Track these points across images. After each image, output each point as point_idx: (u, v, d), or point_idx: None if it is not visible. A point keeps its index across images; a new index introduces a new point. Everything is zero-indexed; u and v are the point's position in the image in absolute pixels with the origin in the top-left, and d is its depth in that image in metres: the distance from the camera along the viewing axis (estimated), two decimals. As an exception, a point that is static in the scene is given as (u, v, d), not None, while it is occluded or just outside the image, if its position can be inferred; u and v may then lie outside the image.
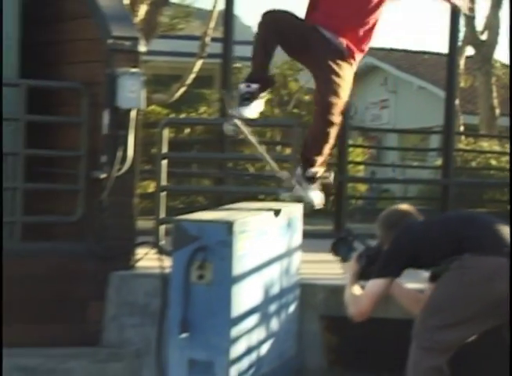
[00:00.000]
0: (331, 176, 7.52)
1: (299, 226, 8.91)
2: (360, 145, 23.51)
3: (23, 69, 10.15)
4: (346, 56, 7.24)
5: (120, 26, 9.50)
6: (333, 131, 7.17)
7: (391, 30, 25.06)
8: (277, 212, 7.87)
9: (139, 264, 9.56)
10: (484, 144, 21.40)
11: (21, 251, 9.33)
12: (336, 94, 7.10)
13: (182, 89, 20.02)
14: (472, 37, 25.71)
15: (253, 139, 7.36)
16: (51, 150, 9.98)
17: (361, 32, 7.28)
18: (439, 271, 6.65)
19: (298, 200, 7.56)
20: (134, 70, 9.24)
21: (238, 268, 7.44)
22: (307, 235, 9.20)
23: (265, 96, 7.35)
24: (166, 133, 9.96)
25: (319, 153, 7.28)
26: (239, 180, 14.87)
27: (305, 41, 7.23)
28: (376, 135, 30.46)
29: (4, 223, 9.80)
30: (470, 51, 26.62)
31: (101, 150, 9.35)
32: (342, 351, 8.84)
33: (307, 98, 28.40)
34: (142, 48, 9.44)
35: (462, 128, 24.65)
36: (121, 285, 9.24)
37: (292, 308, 8.72)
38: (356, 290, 6.93)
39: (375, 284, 6.68)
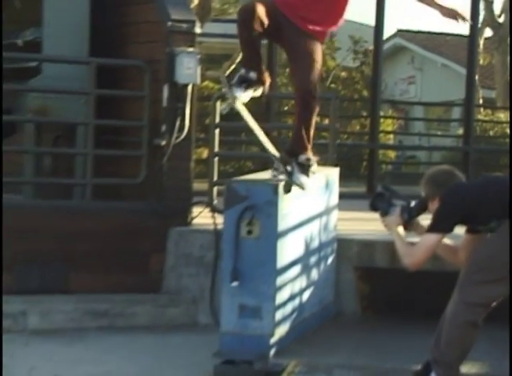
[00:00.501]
0: (315, 161, 7.41)
1: (336, 188, 8.92)
2: (390, 116, 23.46)
3: (93, 48, 10.22)
4: (312, 35, 7.23)
5: (179, 10, 9.54)
6: (314, 117, 7.21)
7: (418, 14, 24.96)
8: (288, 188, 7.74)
9: (195, 221, 9.60)
10: (501, 115, 21.30)
11: (91, 209, 9.41)
12: (310, 75, 7.10)
13: (232, 67, 19.99)
14: (490, 20, 25.62)
15: (249, 118, 7.41)
16: (117, 121, 10.09)
17: (320, 13, 7.19)
18: (488, 229, 6.57)
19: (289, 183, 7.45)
20: (190, 49, 9.30)
21: (282, 224, 7.44)
22: (342, 196, 9.19)
23: (255, 91, 7.31)
24: (218, 105, 9.96)
25: (308, 139, 7.27)
26: (282, 147, 14.85)
27: (277, 25, 7.13)
28: (404, 108, 30.28)
29: (76, 185, 9.92)
30: (488, 32, 26.51)
31: (161, 121, 9.42)
32: (373, 298, 8.84)
33: (343, 74, 28.37)
34: (198, 30, 9.48)
35: (481, 101, 24.53)
36: (179, 239, 9.29)
37: (330, 259, 8.73)
38: (406, 242, 6.75)
39: (430, 238, 6.56)
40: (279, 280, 7.50)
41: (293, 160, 7.30)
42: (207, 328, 8.48)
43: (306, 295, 8.13)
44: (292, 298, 7.82)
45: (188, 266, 9.15)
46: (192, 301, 9.04)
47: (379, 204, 6.93)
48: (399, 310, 7.86)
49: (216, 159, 10.09)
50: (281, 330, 7.60)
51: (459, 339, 6.55)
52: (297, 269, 7.88)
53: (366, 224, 9.65)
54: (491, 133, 19.95)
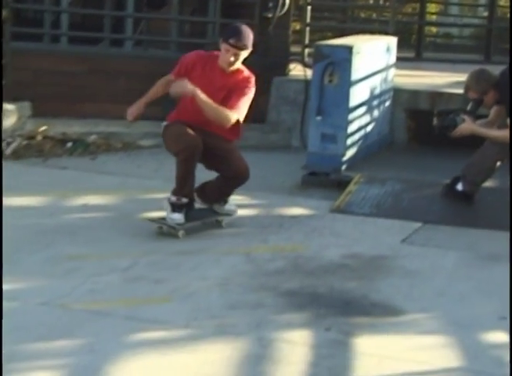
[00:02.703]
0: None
1: (393, 52, 8.69)
2: (434, 1, 22.77)
3: None
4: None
5: None
6: None
7: None
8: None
9: (291, 73, 9.49)
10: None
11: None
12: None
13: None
14: None
15: None
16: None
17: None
18: None
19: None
20: None
21: (354, 76, 7.30)
22: (398, 58, 8.93)
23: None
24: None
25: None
26: (355, 21, 14.65)
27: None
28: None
29: (208, 44, 9.79)
30: None
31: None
32: (417, 132, 8.73)
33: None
34: None
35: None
36: (279, 85, 9.17)
37: (387, 103, 8.58)
38: (490, 129, 6.42)
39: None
40: (350, 116, 7.42)
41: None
42: (297, 150, 8.46)
43: (369, 128, 8.04)
44: (359, 129, 7.75)
45: (285, 105, 9.07)
46: (287, 130, 8.99)
47: (445, 122, 6.46)
48: (437, 142, 7.73)
49: (307, 29, 9.88)
50: (350, 152, 7.55)
51: (485, 166, 6.45)
52: (363, 108, 7.76)
53: (414, 79, 9.49)
54: (508, 16, 19.27)
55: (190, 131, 5.54)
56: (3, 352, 3.53)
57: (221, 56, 5.63)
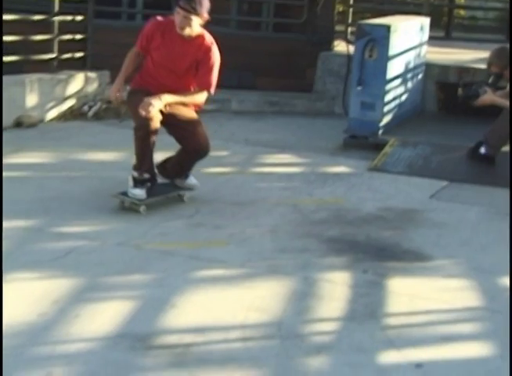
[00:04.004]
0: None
1: (426, 31, 8.49)
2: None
3: None
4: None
5: None
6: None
7: None
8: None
9: (336, 48, 9.38)
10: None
11: (272, 37, 9.39)
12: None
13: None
14: None
15: None
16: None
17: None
18: None
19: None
20: None
21: (391, 51, 7.15)
22: (430, 37, 8.73)
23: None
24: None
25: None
26: (392, 3, 14.37)
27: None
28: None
29: (263, 22, 9.68)
30: None
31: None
32: (446, 102, 8.58)
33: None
34: None
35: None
36: (325, 59, 9.07)
37: (419, 76, 8.41)
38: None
39: None
40: (387, 87, 7.29)
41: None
42: (339, 116, 8.38)
43: (403, 98, 7.89)
44: (394, 98, 7.61)
45: (330, 77, 8.98)
46: (331, 98, 8.90)
47: (470, 92, 6.38)
48: (463, 111, 7.60)
49: (350, 10, 9.74)
50: (386, 119, 7.43)
51: (505, 132, 6.30)
52: (398, 81, 7.61)
53: (443, 55, 9.29)
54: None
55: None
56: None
57: (175, 21, 4.87)
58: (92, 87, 8.19)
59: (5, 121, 6.57)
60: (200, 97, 5.06)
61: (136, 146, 4.96)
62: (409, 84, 8.04)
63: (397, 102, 7.71)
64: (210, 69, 4.96)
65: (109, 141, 6.94)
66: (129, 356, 3.24)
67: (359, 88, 7.17)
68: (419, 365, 3.29)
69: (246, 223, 4.96)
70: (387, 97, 7.35)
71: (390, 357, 3.36)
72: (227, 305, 3.76)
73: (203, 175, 5.96)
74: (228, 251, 4.47)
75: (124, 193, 5.09)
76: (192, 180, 5.36)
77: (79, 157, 6.29)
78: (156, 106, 4.81)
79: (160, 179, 5.29)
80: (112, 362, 3.19)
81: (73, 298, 3.74)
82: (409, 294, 3.99)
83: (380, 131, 7.28)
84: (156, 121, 4.84)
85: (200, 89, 5.03)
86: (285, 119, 8.38)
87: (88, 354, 3.24)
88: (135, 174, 5.04)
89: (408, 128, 7.68)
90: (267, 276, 4.12)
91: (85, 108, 7.92)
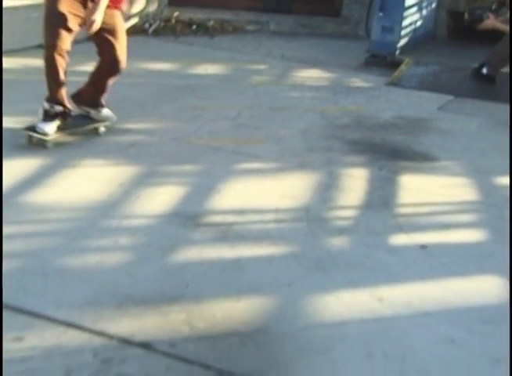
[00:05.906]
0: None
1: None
2: None
3: None
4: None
5: None
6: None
7: None
8: None
9: None
10: None
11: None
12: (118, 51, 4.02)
13: None
14: None
15: None
16: None
17: None
18: None
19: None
20: None
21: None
22: None
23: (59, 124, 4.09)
24: None
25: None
26: None
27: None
28: None
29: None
30: None
31: None
32: (455, 29, 8.17)
33: None
34: None
35: None
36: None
37: (433, 5, 7.98)
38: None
39: None
40: (405, 13, 6.93)
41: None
42: (362, 38, 8.00)
43: (418, 23, 7.51)
44: (410, 24, 7.25)
45: (355, 3, 8.54)
46: (356, 23, 8.50)
47: (474, 17, 6.11)
48: (470, 36, 7.24)
49: None
50: (403, 41, 7.10)
51: (505, 54, 6.01)
52: (414, 8, 7.24)
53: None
54: None
55: (60, 21, 3.78)
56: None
57: None
58: (153, 7, 7.95)
59: (81, 35, 6.40)
60: None
61: (45, 73, 3.87)
62: (424, 12, 7.64)
63: (413, 27, 7.34)
64: None
65: (165, 54, 6.77)
66: (181, 231, 3.21)
67: (381, 14, 6.82)
68: (423, 246, 3.23)
69: (280, 125, 4.84)
70: (405, 22, 7.00)
71: (399, 239, 3.29)
72: (263, 192, 3.69)
73: (246, 85, 5.82)
74: (265, 148, 4.36)
75: (32, 128, 4.04)
76: (107, 112, 4.37)
77: (141, 66, 6.16)
78: (99, 21, 3.90)
79: (76, 111, 4.29)
80: (167, 235, 3.16)
81: (135, 183, 3.70)
82: (417, 189, 3.88)
83: (397, 52, 6.98)
84: (64, 43, 3.81)
85: None
86: (315, 40, 8.07)
87: (147, 228, 3.22)
88: (46, 105, 4.01)
89: (421, 50, 7.36)
90: (297, 170, 4.03)
91: (146, 25, 7.70)
